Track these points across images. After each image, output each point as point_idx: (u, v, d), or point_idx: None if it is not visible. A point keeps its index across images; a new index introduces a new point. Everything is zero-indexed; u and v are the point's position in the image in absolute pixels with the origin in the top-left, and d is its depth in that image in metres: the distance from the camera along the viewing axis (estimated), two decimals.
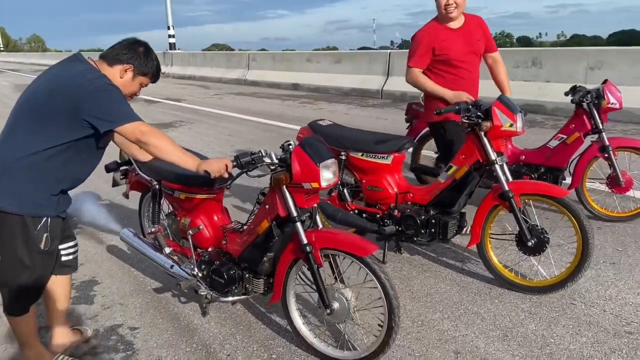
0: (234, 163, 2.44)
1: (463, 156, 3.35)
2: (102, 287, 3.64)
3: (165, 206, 3.40)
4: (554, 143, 4.41)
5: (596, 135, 4.23)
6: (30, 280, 2.38)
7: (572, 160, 4.38)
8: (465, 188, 3.36)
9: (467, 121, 3.18)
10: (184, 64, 22.72)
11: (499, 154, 3.24)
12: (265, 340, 2.93)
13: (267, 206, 2.65)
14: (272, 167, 2.48)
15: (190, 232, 2.96)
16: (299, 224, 2.52)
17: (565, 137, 4.34)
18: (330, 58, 14.66)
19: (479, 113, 3.17)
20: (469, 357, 2.71)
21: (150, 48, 2.60)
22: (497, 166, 3.19)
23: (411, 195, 3.61)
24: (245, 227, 2.89)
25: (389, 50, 12.88)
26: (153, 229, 3.30)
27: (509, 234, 3.44)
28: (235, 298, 2.94)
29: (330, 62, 14.62)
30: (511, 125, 3.13)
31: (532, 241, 3.16)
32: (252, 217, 2.81)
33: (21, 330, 2.56)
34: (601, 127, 4.16)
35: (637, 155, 4.26)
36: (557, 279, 3.19)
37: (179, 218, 3.15)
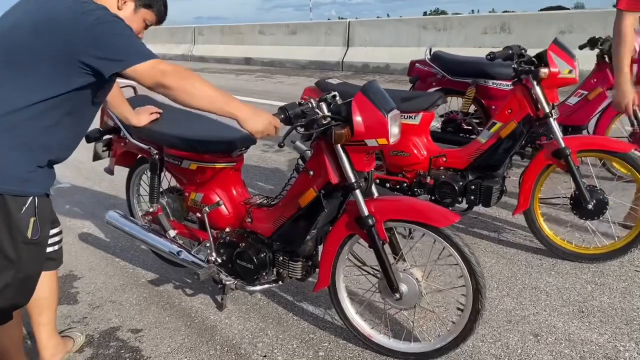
0: (281, 117, 1.91)
1: (509, 110, 2.93)
2: (83, 283, 3.02)
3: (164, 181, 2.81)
4: (573, 100, 4.08)
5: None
6: (16, 279, 1.78)
7: (593, 117, 4.06)
8: (513, 147, 2.95)
9: (520, 67, 2.76)
10: None
11: (552, 106, 2.84)
12: (304, 335, 2.43)
13: (311, 172, 2.13)
14: (324, 121, 1.96)
15: (207, 209, 2.40)
16: (358, 192, 2.03)
17: (586, 92, 4.01)
18: (285, 29, 13.97)
19: (532, 58, 2.75)
20: (551, 338, 2.32)
21: None
22: (552, 120, 2.80)
23: (444, 159, 3.17)
24: (277, 201, 2.36)
25: (348, 20, 12.36)
26: (151, 209, 2.71)
27: (562, 197, 3.06)
28: (265, 286, 2.43)
29: (285, 33, 13.94)
30: (570, 72, 2.74)
31: (592, 203, 2.80)
32: (288, 188, 2.28)
33: (2, 343, 1.96)
34: None
35: None
36: (619, 244, 2.85)
37: (187, 194, 2.58)
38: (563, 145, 2.77)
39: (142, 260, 3.24)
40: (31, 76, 1.65)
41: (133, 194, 3.06)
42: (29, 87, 1.66)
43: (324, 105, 2.00)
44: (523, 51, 2.81)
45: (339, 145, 1.98)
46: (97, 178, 4.80)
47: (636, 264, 2.88)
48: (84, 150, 2.80)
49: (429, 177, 3.14)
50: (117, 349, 2.41)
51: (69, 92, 1.70)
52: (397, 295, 2.07)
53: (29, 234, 1.76)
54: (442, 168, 3.18)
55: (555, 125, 2.80)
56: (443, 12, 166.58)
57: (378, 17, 11.54)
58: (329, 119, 1.96)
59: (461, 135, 4.34)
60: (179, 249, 2.57)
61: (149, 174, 2.68)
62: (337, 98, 2.08)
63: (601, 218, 2.86)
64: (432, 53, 4.43)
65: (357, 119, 1.91)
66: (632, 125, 3.96)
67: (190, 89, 1.71)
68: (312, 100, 2.00)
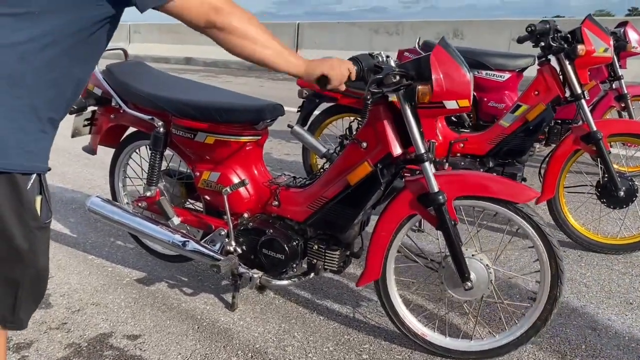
0: (355, 68, 1.60)
1: (536, 92, 2.76)
2: (55, 284, 2.53)
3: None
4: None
5: (611, 83, 3.89)
6: (26, 276, 1.34)
7: None
8: (538, 130, 2.78)
9: (554, 44, 2.58)
10: None
11: (583, 86, 2.69)
12: (338, 337, 2.11)
13: (364, 144, 1.83)
14: (396, 79, 1.65)
15: (228, 189, 2.02)
16: (428, 164, 1.74)
17: None
18: None
19: (567, 35, 2.59)
20: (612, 332, 2.12)
21: None
22: (584, 102, 2.64)
23: (461, 145, 2.95)
24: (313, 180, 2.03)
25: (297, 22, 12.10)
26: (148, 193, 2.29)
27: (589, 185, 2.91)
28: (293, 280, 2.09)
29: None
30: (606, 50, 2.60)
31: (622, 190, 2.66)
32: (332, 164, 1.95)
33: None
34: (620, 73, 3.82)
35: None
36: None
37: (197, 174, 2.18)
38: (595, 128, 2.61)
39: (122, 257, 2.79)
40: (34, 9, 1.23)
41: (119, 178, 2.60)
42: (31, 17, 1.24)
43: (392, 61, 1.71)
44: (557, 27, 2.64)
45: (409, 108, 1.69)
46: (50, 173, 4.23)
47: None
48: None
49: (447, 164, 2.90)
50: (114, 359, 1.98)
51: (80, 26, 1.29)
52: (469, 284, 1.79)
53: (40, 217, 1.33)
54: (459, 155, 2.96)
55: (586, 108, 2.65)
56: None
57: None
58: (399, 76, 1.66)
59: (450, 126, 4.17)
60: (185, 238, 2.17)
61: (146, 151, 2.27)
62: (389, 58, 1.80)
63: (629, 207, 2.73)
64: (422, 42, 4.24)
65: (439, 76, 1.63)
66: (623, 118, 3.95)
67: (252, 33, 1.37)
68: (382, 52, 1.70)
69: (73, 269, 2.68)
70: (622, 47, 3.80)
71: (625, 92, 3.82)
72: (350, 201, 1.89)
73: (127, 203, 2.62)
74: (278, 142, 5.29)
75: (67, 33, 1.26)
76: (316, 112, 3.50)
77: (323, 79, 1.54)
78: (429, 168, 1.74)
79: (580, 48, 2.55)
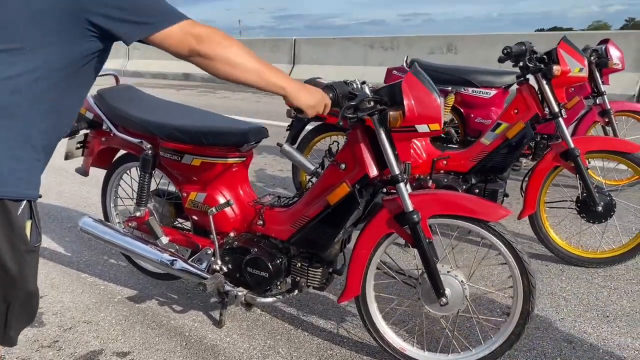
0: (330, 95, 1.68)
1: (515, 111, 2.84)
2: (48, 302, 2.60)
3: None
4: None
5: (595, 99, 3.98)
6: (17, 298, 1.42)
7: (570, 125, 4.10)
8: (519, 148, 2.86)
9: (529, 65, 2.68)
10: None
11: (560, 105, 2.78)
12: (321, 352, 2.17)
13: (343, 165, 1.91)
14: (370, 104, 1.74)
15: (214, 210, 2.10)
16: (403, 185, 1.82)
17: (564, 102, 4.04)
18: None
19: (543, 56, 2.68)
20: (587, 345, 2.18)
21: None
22: (561, 120, 2.73)
23: (445, 162, 3.03)
24: (296, 200, 2.11)
25: (294, 38, 12.24)
26: (138, 213, 2.37)
27: (569, 200, 2.98)
28: (278, 297, 2.16)
29: None
30: (581, 70, 2.69)
31: (600, 206, 2.74)
32: (314, 185, 2.03)
33: None
34: (603, 89, 3.91)
35: (636, 120, 4.08)
36: (627, 247, 2.79)
37: (185, 194, 2.26)
38: (573, 145, 2.70)
39: (114, 275, 2.86)
40: (23, 39, 1.31)
41: (110, 198, 2.68)
42: (21, 53, 1.32)
43: (366, 87, 1.79)
44: (534, 48, 2.74)
45: (383, 132, 1.77)
46: (41, 190, 4.30)
47: None
48: None
49: (430, 181, 2.98)
50: None
51: (71, 60, 1.38)
52: (444, 300, 1.86)
53: (30, 241, 1.41)
54: (442, 172, 3.04)
55: (564, 126, 2.73)
56: None
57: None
58: (373, 102, 1.74)
59: (438, 143, 4.25)
60: (174, 257, 2.24)
61: (136, 172, 2.34)
62: (367, 83, 1.89)
63: (607, 221, 2.80)
64: (410, 60, 4.33)
65: (410, 101, 1.71)
66: (606, 134, 4.04)
67: (235, 59, 1.44)
68: (356, 80, 1.79)
69: (66, 287, 2.75)
70: (603, 64, 3.89)
71: (609, 107, 3.90)
72: (330, 220, 1.96)
73: (119, 223, 2.70)
74: (272, 159, 5.38)
75: (58, 67, 1.35)
76: (308, 127, 3.58)
77: (299, 110, 1.62)
78: (404, 188, 1.81)
79: (556, 68, 2.64)
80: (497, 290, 2.16)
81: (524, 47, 2.69)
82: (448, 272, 1.91)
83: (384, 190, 2.00)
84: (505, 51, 2.70)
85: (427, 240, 1.84)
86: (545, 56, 2.70)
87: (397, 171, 1.80)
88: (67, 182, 4.53)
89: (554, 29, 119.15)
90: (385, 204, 1.91)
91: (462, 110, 4.21)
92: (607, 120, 3.95)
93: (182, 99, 10.60)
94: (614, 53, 3.92)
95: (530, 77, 2.83)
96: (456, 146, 4.05)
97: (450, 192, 1.95)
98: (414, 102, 1.72)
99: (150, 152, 2.25)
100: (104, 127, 2.37)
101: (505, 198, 3.07)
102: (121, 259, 2.97)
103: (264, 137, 2.15)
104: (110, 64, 16.92)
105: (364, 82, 1.82)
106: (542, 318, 2.38)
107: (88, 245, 3.23)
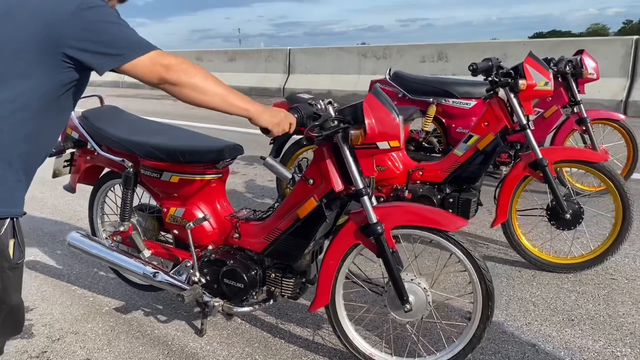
0: (295, 115, 1.79)
1: (486, 123, 2.96)
2: (38, 314, 2.71)
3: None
4: (530, 117, 4.22)
5: (572, 108, 4.10)
6: (3, 310, 1.53)
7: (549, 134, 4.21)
8: (490, 158, 2.97)
9: (497, 79, 2.80)
10: None
11: (528, 117, 2.89)
12: (297, 358, 2.27)
13: (311, 181, 2.02)
14: (334, 124, 1.85)
15: (192, 224, 2.21)
16: (367, 198, 1.93)
17: (542, 111, 4.16)
18: (224, 56, 13.82)
19: (510, 70, 2.80)
20: (549, 347, 2.29)
21: None
22: (529, 131, 2.84)
23: (420, 173, 3.14)
24: (270, 214, 2.22)
25: (289, 47, 12.39)
26: (122, 228, 2.49)
27: (539, 208, 3.09)
28: (255, 307, 2.26)
29: (224, 60, 13.79)
30: (546, 84, 2.80)
31: (569, 213, 2.85)
32: (285, 199, 2.15)
33: None
34: (579, 98, 4.03)
35: (612, 127, 4.19)
36: (596, 252, 2.90)
37: (165, 210, 2.38)
38: (540, 156, 2.81)
39: (102, 287, 2.97)
40: (6, 74, 1.44)
41: (97, 214, 2.80)
42: (6, 86, 1.44)
43: (330, 108, 1.91)
44: (500, 63, 2.86)
45: (347, 149, 1.89)
46: (36, 204, 4.43)
47: (611, 272, 2.94)
48: None
49: (407, 191, 3.09)
50: None
51: (49, 89, 1.50)
52: (408, 307, 1.97)
53: (12, 258, 1.52)
54: (418, 182, 3.15)
55: (532, 137, 2.84)
56: None
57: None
58: (336, 121, 1.86)
59: (421, 152, 4.37)
60: (155, 270, 2.35)
61: (120, 189, 2.46)
62: (334, 103, 2.00)
63: (576, 228, 2.91)
64: (392, 72, 4.46)
65: (370, 120, 1.83)
66: (585, 142, 4.15)
67: (201, 85, 1.56)
68: (320, 101, 1.90)
69: (56, 299, 2.86)
70: (579, 74, 4.01)
71: (585, 116, 4.02)
72: (300, 233, 2.07)
73: (106, 237, 2.81)
74: (262, 170, 5.49)
75: (37, 95, 1.47)
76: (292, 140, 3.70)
77: (265, 130, 1.74)
78: (368, 201, 1.93)
79: (522, 83, 2.76)
80: (458, 296, 2.26)
81: (490, 63, 2.81)
82: (412, 280, 2.01)
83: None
84: (472, 67, 2.82)
85: (391, 250, 1.95)
86: (512, 71, 2.82)
87: (360, 185, 1.91)
88: (62, 195, 4.64)
89: (552, 32, 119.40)
90: (352, 217, 2.03)
91: (443, 120, 4.33)
92: (584, 128, 4.06)
93: (180, 111, 10.75)
94: (589, 63, 4.04)
95: (501, 90, 2.95)
96: (439, 155, 4.17)
97: (413, 204, 2.05)
98: (374, 121, 1.84)
99: (131, 169, 2.37)
100: (89, 146, 2.48)
101: (479, 207, 3.18)
102: (110, 272, 3.07)
103: (239, 154, 2.27)
104: (108, 76, 17.09)
105: (329, 102, 1.93)
106: (510, 323, 2.49)
107: (79, 258, 3.35)
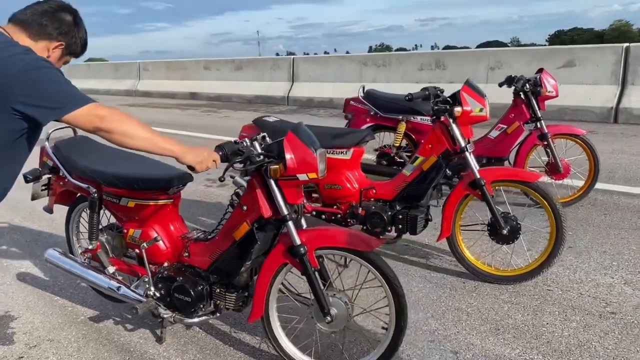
0: (220, 153, 2.06)
1: (430, 146, 3.20)
2: (21, 323, 3.01)
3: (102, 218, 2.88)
4: (494, 133, 4.44)
5: (534, 124, 4.30)
6: None
7: (513, 149, 4.42)
8: (434, 178, 3.20)
9: (436, 107, 3.03)
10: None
11: (467, 141, 3.12)
12: None
13: (244, 207, 2.29)
14: (258, 159, 2.12)
15: (145, 245, 2.50)
16: (291, 223, 2.19)
17: (505, 127, 4.38)
18: (231, 65, 14.19)
19: (447, 98, 3.03)
20: (469, 355, 2.52)
21: (79, 16, 2.05)
22: (467, 153, 3.07)
23: (374, 191, 3.39)
24: (214, 235, 2.49)
25: (292, 57, 12.71)
26: (90, 246, 2.78)
27: (480, 223, 3.32)
28: (203, 318, 2.53)
29: (231, 69, 14.15)
30: (481, 110, 3.03)
31: (506, 229, 3.07)
32: (224, 222, 2.42)
33: None
34: (539, 115, 4.24)
35: (573, 142, 4.38)
36: (532, 265, 3.12)
37: (125, 230, 2.66)
38: (478, 176, 3.04)
39: (82, 298, 3.26)
40: None
41: (72, 232, 3.10)
42: None
43: (256, 144, 2.17)
44: (439, 92, 3.09)
45: (272, 180, 2.15)
46: (35, 217, 4.77)
47: (548, 283, 3.16)
48: (22, 189, 2.87)
49: (360, 208, 3.34)
50: None
51: (4, 135, 1.79)
52: (329, 318, 2.22)
53: None
54: (372, 199, 3.40)
55: (470, 158, 3.07)
56: (388, 47, 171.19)
57: (326, 53, 11.98)
58: (262, 156, 2.12)
59: (394, 167, 4.61)
60: (118, 284, 2.64)
61: (88, 211, 2.75)
62: (267, 138, 2.26)
63: (514, 242, 3.13)
64: (365, 91, 4.70)
65: (290, 155, 2.09)
66: (548, 156, 4.35)
67: (130, 131, 1.84)
68: (246, 139, 2.17)
69: (39, 309, 3.16)
70: (538, 93, 4.22)
71: (546, 131, 4.23)
72: (236, 253, 2.34)
73: (81, 253, 3.11)
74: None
75: None
76: None
77: (191, 167, 2.01)
78: (292, 226, 2.18)
79: (457, 110, 2.99)
80: (377, 308, 2.49)
81: (427, 92, 3.05)
82: (334, 295, 2.27)
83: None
84: (407, 97, 3.06)
85: (313, 269, 2.20)
86: (450, 99, 3.05)
87: (285, 212, 2.17)
88: (59, 208, 4.96)
89: (574, 29, 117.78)
90: (281, 239, 2.29)
91: (413, 136, 4.57)
92: (545, 143, 4.27)
93: (185, 120, 11.11)
94: (548, 82, 4.24)
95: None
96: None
97: (336, 227, 2.31)
98: (293, 156, 2.10)
99: (96, 195, 2.66)
100: (60, 173, 2.78)
101: (429, 222, 3.42)
102: None
103: (188, 181, 2.54)
104: (122, 85, 17.64)
105: (254, 139, 2.19)
106: (440, 331, 2.72)
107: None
